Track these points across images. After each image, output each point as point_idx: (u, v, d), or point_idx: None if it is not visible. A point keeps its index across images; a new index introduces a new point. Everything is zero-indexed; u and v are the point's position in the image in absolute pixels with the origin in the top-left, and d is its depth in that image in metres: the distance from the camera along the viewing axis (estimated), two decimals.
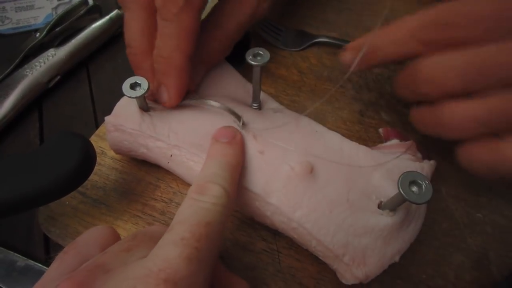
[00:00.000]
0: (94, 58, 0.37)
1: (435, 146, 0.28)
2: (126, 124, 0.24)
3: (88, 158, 0.19)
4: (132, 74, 0.23)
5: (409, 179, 0.18)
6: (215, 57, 0.26)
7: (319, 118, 0.26)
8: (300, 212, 0.21)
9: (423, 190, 0.18)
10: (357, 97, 0.31)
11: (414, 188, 0.18)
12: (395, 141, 0.26)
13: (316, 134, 0.24)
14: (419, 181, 0.18)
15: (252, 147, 0.23)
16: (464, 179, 0.27)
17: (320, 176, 0.22)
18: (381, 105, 0.31)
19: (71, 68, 0.36)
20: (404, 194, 0.18)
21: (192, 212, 0.17)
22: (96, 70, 0.37)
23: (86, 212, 0.25)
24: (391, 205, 0.20)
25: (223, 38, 0.26)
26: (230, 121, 0.24)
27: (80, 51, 0.36)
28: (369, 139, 0.29)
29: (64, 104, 0.34)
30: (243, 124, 0.23)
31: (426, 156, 0.25)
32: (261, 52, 0.23)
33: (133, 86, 0.22)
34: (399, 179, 0.18)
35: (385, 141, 0.27)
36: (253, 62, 0.23)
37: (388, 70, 0.33)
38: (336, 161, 0.22)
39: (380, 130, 0.29)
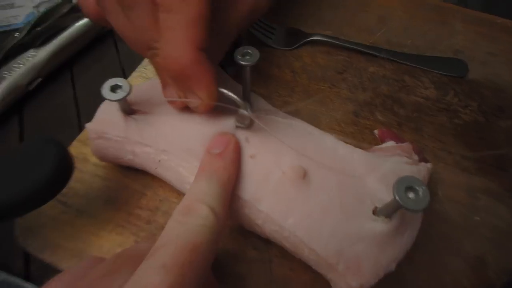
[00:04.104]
0: (79, 59, 0.36)
1: (431, 147, 0.28)
2: (110, 132, 0.23)
3: (63, 167, 0.18)
4: (118, 76, 0.22)
5: (405, 185, 0.17)
6: (212, 55, 0.23)
7: (312, 120, 0.26)
8: (292, 219, 0.20)
9: (420, 195, 0.17)
10: (351, 97, 0.30)
11: (411, 194, 0.17)
12: (391, 143, 0.25)
13: (310, 136, 0.23)
14: (416, 187, 0.17)
15: (244, 151, 0.22)
16: (461, 182, 0.26)
17: (312, 181, 0.21)
18: (376, 105, 0.30)
19: (54, 69, 0.34)
20: (400, 201, 0.17)
21: (176, 235, 0.16)
22: (81, 72, 0.35)
23: (67, 222, 0.24)
24: (387, 211, 0.20)
25: (221, 34, 0.23)
26: (222, 122, 0.23)
27: (63, 51, 0.34)
28: (364, 141, 0.28)
29: (46, 108, 0.33)
30: (250, 107, 0.21)
31: (422, 158, 0.24)
32: (250, 51, 0.22)
33: (114, 88, 0.21)
34: (394, 184, 0.17)
35: (381, 143, 0.26)
36: (242, 62, 0.22)
37: (383, 69, 0.32)
38: (329, 166, 0.21)
39: (376, 131, 0.28)
